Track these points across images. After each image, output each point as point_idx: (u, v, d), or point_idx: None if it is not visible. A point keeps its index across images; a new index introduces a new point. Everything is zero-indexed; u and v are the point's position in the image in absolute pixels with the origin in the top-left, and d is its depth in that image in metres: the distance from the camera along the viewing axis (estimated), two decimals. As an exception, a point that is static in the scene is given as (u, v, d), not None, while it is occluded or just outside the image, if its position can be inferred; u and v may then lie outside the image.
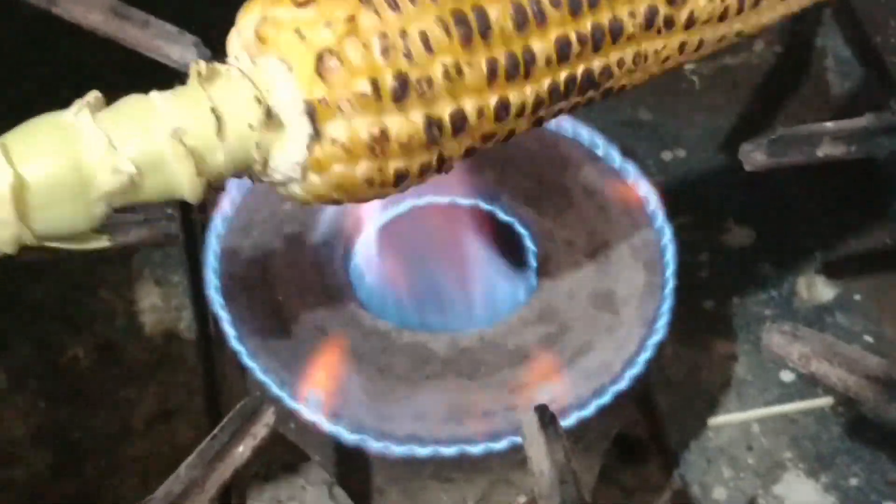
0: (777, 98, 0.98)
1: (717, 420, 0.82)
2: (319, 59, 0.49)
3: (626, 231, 0.72)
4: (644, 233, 0.72)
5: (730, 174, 0.94)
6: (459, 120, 0.52)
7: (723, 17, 0.60)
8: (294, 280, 0.70)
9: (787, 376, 0.84)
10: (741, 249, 0.91)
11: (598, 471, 0.74)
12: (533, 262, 0.71)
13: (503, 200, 0.73)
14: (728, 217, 0.92)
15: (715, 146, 0.96)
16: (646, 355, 0.67)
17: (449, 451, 0.64)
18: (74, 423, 0.80)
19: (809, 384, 0.83)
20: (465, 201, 0.73)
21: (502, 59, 0.52)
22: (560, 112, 0.57)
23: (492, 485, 0.67)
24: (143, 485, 0.77)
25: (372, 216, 0.72)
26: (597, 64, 0.56)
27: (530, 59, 0.53)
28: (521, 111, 0.54)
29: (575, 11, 0.54)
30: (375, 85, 0.49)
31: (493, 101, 0.53)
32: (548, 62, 0.54)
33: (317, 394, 0.65)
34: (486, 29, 0.52)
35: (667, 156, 0.96)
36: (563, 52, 0.54)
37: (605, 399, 0.65)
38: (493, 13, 0.52)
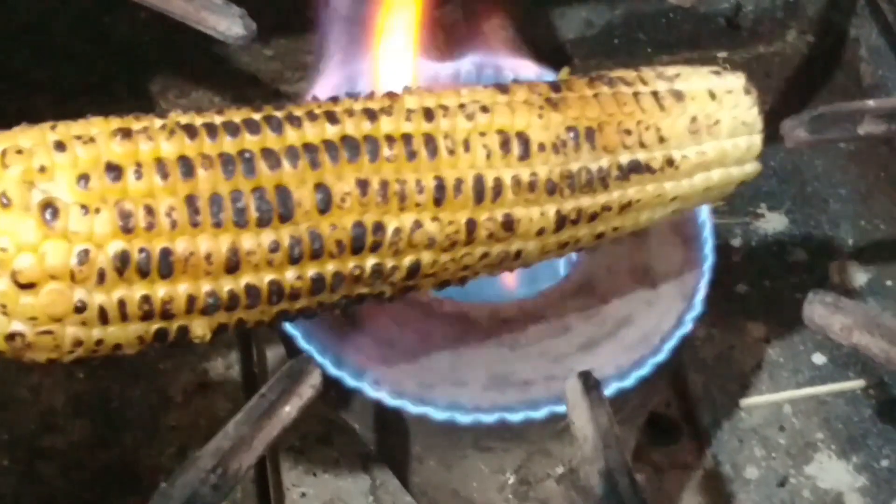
0: (810, 87, 0.98)
1: (749, 401, 0.82)
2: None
3: (665, 207, 0.72)
4: (682, 209, 0.72)
5: (762, 160, 0.95)
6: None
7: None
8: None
9: (818, 359, 0.84)
10: (774, 234, 0.91)
11: (633, 447, 0.75)
12: (573, 237, 0.72)
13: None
14: (761, 202, 0.93)
15: (747, 133, 0.97)
16: (684, 329, 0.67)
17: (489, 418, 0.64)
18: (113, 393, 0.81)
19: (841, 367, 0.84)
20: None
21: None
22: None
23: (530, 455, 0.67)
24: (180, 454, 0.78)
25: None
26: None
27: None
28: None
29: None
30: None
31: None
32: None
33: (359, 361, 0.66)
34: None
35: (699, 142, 0.96)
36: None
37: (645, 371, 0.66)
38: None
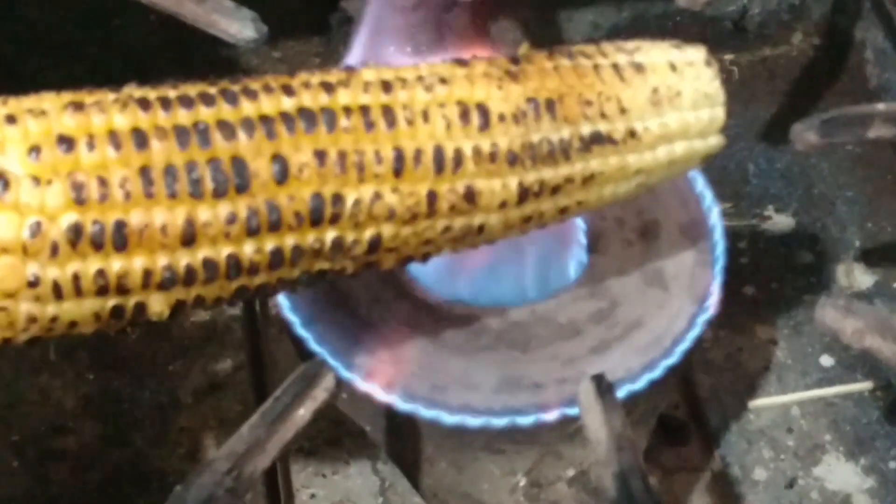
0: (815, 90, 0.98)
1: (757, 403, 0.83)
2: None
3: (676, 209, 0.72)
4: (693, 211, 0.72)
5: (769, 162, 0.95)
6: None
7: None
8: (348, 253, 0.70)
9: (826, 361, 0.85)
10: (781, 236, 0.92)
11: (644, 449, 0.75)
12: (583, 240, 0.72)
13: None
14: (768, 205, 0.93)
15: (754, 136, 0.97)
16: (696, 332, 0.68)
17: (500, 421, 0.64)
18: (123, 394, 0.81)
19: (849, 369, 0.84)
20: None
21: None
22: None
23: (541, 457, 0.67)
24: (190, 456, 0.78)
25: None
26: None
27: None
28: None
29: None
30: None
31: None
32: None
33: (370, 364, 0.66)
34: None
35: (706, 145, 0.96)
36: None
37: (656, 373, 0.66)
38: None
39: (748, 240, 0.91)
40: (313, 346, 0.66)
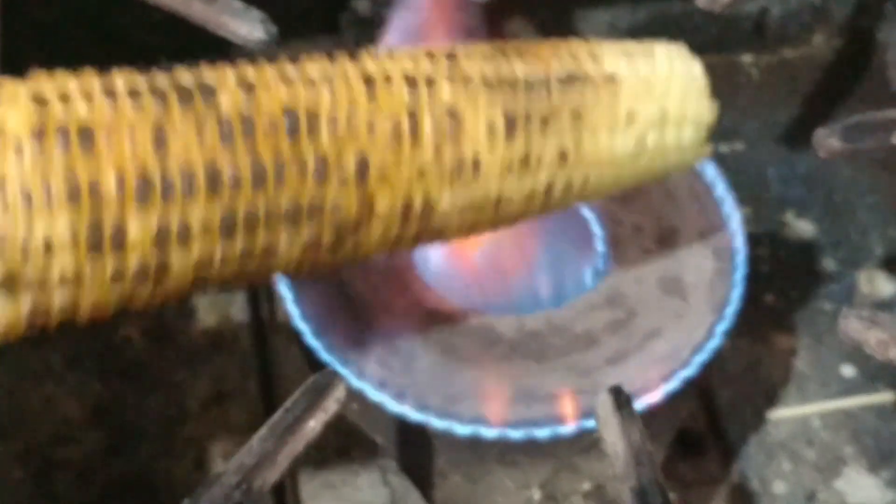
0: (836, 92, 0.97)
1: (776, 414, 0.81)
2: None
3: (695, 217, 0.71)
4: (713, 218, 0.71)
5: (789, 167, 0.94)
6: None
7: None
8: (359, 260, 0.69)
9: (847, 371, 0.83)
10: (801, 243, 0.90)
11: (661, 462, 0.74)
12: (600, 248, 0.70)
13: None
14: (788, 210, 0.92)
15: (773, 139, 0.96)
16: (715, 342, 0.66)
17: (515, 433, 0.63)
18: (129, 404, 0.80)
19: (870, 379, 0.82)
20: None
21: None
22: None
23: (556, 470, 0.66)
24: (197, 466, 0.77)
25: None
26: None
27: None
28: None
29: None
30: None
31: None
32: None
33: (382, 374, 0.64)
34: None
35: (724, 149, 0.95)
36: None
37: (674, 385, 0.65)
38: None
39: (768, 247, 0.89)
40: (324, 355, 0.65)
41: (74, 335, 0.82)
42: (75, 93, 0.51)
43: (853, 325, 0.62)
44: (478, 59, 0.57)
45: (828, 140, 0.68)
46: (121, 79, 0.53)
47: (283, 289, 0.68)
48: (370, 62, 0.55)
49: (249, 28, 0.71)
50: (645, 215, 0.71)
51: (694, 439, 0.80)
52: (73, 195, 0.48)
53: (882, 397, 0.82)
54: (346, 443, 0.79)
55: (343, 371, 0.64)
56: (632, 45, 0.62)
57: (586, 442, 0.63)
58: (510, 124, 0.56)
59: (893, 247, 0.89)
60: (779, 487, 0.78)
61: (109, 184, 0.49)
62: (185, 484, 0.75)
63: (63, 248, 0.49)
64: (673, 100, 0.61)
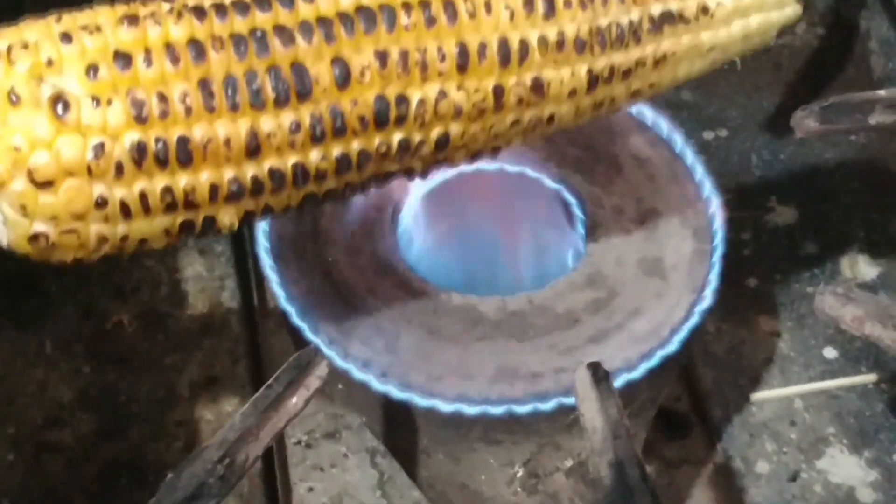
0: (820, 79, 0.98)
1: (760, 395, 0.82)
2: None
3: (674, 199, 0.72)
4: (692, 201, 0.72)
5: (772, 153, 0.94)
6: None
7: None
8: (343, 242, 0.70)
9: (830, 353, 0.84)
10: (784, 228, 0.91)
11: (643, 441, 0.74)
12: (581, 229, 0.71)
13: (551, 168, 0.73)
14: (771, 196, 0.92)
15: (757, 126, 0.96)
16: (694, 321, 0.67)
17: (497, 410, 0.64)
18: (120, 388, 0.81)
19: (852, 361, 0.83)
20: (513, 168, 0.73)
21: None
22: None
23: (539, 448, 0.67)
24: (187, 449, 0.77)
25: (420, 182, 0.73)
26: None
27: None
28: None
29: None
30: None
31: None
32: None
33: (366, 353, 0.65)
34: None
35: (709, 136, 0.96)
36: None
37: (654, 362, 0.65)
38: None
39: (751, 231, 0.90)
40: (309, 335, 0.66)
41: (66, 320, 0.83)
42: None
43: (829, 302, 0.63)
44: (576, 9, 0.56)
45: (805, 121, 0.68)
46: None
47: (269, 271, 0.68)
48: (467, 24, 0.55)
49: None
50: (625, 197, 0.72)
51: (678, 421, 0.81)
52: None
53: (864, 378, 0.83)
54: (335, 426, 0.79)
55: (328, 351, 0.65)
56: None
57: (568, 420, 0.64)
58: (592, 83, 0.57)
59: (875, 231, 0.90)
60: (762, 467, 0.79)
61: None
62: (175, 466, 0.76)
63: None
64: (764, 12, 0.62)
